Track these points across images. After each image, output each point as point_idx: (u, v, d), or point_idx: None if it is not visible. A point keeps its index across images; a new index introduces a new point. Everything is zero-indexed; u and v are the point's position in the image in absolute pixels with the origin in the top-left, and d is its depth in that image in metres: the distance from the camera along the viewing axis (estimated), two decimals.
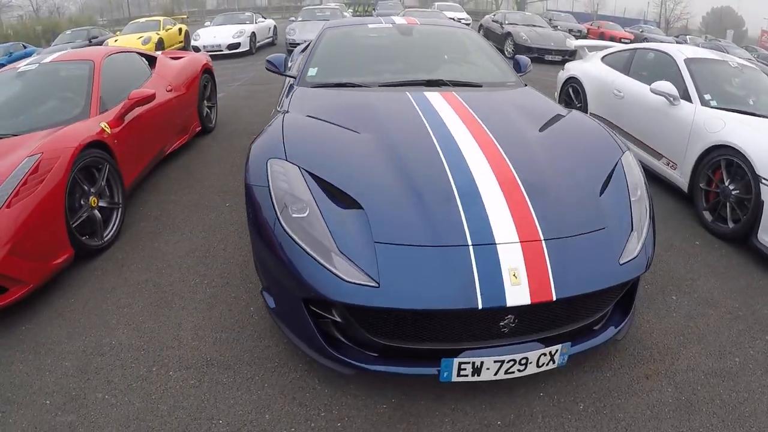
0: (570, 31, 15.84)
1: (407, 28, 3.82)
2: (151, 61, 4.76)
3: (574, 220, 2.00)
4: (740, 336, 2.47)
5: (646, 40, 16.50)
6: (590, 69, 5.29)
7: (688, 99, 3.90)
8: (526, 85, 3.36)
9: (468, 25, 17.61)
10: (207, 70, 5.70)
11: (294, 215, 1.91)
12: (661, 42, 11.92)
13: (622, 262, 1.93)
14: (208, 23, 14.55)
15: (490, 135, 2.39)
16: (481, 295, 1.71)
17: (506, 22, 13.23)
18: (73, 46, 13.25)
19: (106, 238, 3.14)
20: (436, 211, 1.93)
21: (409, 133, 2.41)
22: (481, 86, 3.19)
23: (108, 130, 3.27)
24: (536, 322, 1.88)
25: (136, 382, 2.12)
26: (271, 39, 15.02)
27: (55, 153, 2.70)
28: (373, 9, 22.54)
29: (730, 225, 3.40)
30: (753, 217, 3.17)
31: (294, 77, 3.39)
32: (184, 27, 15.40)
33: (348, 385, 2.06)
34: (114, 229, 3.24)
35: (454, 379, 1.82)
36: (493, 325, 1.81)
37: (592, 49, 5.94)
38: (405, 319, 1.80)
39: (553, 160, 2.29)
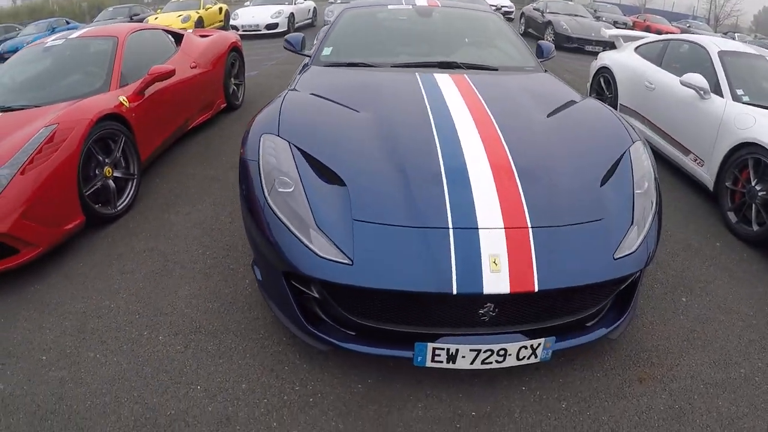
0: (615, 23, 15.34)
1: (427, 10, 3.77)
2: (178, 38, 4.88)
3: (569, 210, 1.93)
4: (750, 346, 2.34)
5: None
6: (622, 59, 5.08)
7: (720, 93, 3.70)
8: (546, 71, 3.28)
9: (511, 12, 17.20)
10: (235, 49, 5.80)
11: (280, 189, 1.94)
12: None
13: (617, 256, 1.86)
14: (248, 3, 14.74)
15: (492, 118, 2.34)
16: (456, 279, 1.69)
17: (547, 10, 12.94)
18: (114, 22, 13.71)
19: (119, 207, 3.29)
20: (419, 192, 1.91)
21: (408, 113, 2.40)
22: (497, 70, 3.14)
23: (126, 104, 3.40)
24: (520, 313, 1.83)
25: (126, 344, 2.23)
26: (310, 20, 15.09)
27: (70, 124, 2.84)
28: None
29: (755, 228, 3.22)
30: None
31: (310, 56, 3.42)
32: (224, 6, 15.66)
33: (327, 362, 2.10)
34: (128, 198, 3.38)
35: (429, 364, 1.80)
36: (471, 312, 1.77)
37: (627, 39, 5.70)
38: (379, 298, 1.79)
39: (556, 146, 2.23)
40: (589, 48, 11.32)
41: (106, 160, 3.16)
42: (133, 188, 3.44)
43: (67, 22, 16.86)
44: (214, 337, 2.26)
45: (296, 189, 1.93)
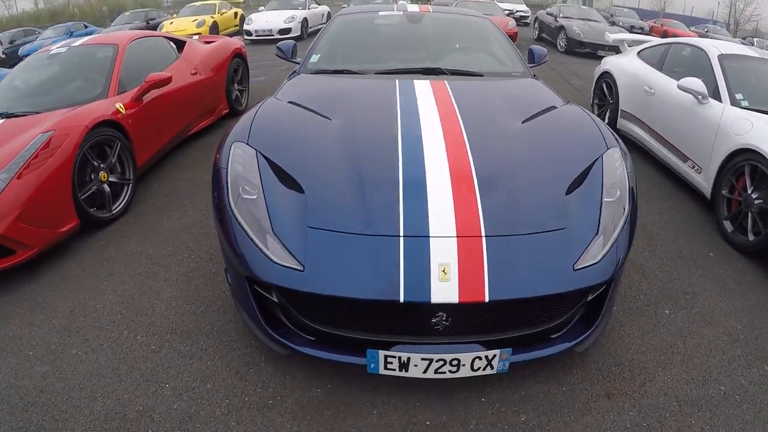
0: (632, 28, 15.31)
1: (417, 16, 3.87)
2: (180, 45, 5.10)
3: (529, 219, 1.95)
4: (734, 362, 2.29)
5: None
6: (624, 64, 5.09)
7: (718, 98, 3.69)
8: (534, 76, 3.34)
9: (527, 17, 17.14)
10: (238, 55, 6.00)
11: (245, 197, 2.05)
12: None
13: (578, 267, 1.86)
14: (262, 8, 15.08)
15: (461, 126, 2.40)
16: (404, 287, 1.72)
17: (560, 15, 12.99)
18: (131, 27, 14.23)
19: (114, 211, 3.48)
20: (374, 200, 1.97)
21: (377, 121, 2.48)
22: (482, 76, 3.20)
23: (123, 111, 3.60)
24: (475, 323, 1.85)
25: (107, 342, 2.39)
26: (324, 25, 15.33)
27: (66, 130, 3.04)
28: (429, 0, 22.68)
29: (751, 237, 3.21)
30: None
31: (298, 63, 3.56)
32: (239, 11, 16.08)
33: (291, 366, 2.20)
34: (123, 202, 3.58)
35: (382, 371, 1.85)
36: (424, 321, 1.79)
37: (631, 43, 5.69)
38: (331, 305, 1.86)
39: (525, 153, 2.26)
40: (601, 53, 11.24)
41: (102, 166, 3.36)
42: (128, 193, 3.63)
43: (86, 26, 17.47)
44: (188, 338, 2.40)
45: (259, 196, 2.03)
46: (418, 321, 1.81)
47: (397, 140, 2.28)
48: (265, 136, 2.31)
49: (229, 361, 2.25)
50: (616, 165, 2.23)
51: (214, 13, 14.38)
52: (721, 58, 3.88)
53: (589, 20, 12.71)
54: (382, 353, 1.82)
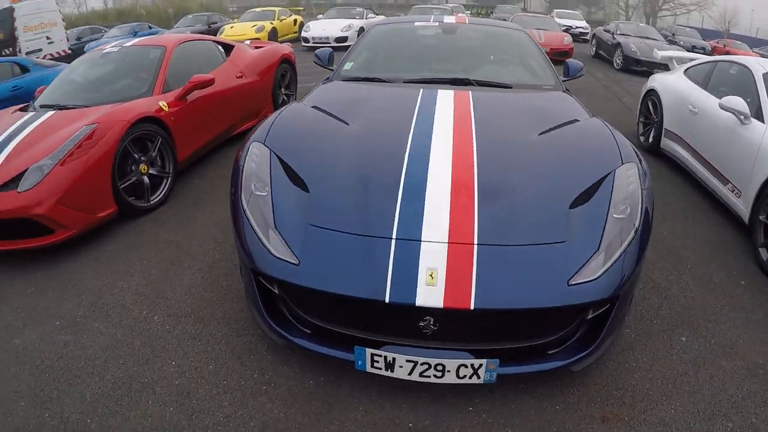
0: (693, 48, 14.72)
1: (452, 27, 3.93)
2: (229, 49, 5.38)
3: (527, 230, 1.94)
4: (748, 398, 2.13)
5: None
6: (670, 81, 4.92)
7: (761, 118, 3.52)
8: (566, 90, 3.32)
9: (586, 33, 16.78)
10: (286, 61, 6.26)
11: (256, 193, 2.18)
12: None
13: (573, 283, 1.82)
14: (321, 16, 15.57)
15: (473, 135, 2.43)
16: (390, 288, 1.76)
17: (618, 32, 12.70)
18: (192, 29, 14.98)
19: (152, 202, 3.73)
20: (374, 203, 2.04)
21: (391, 128, 2.55)
22: (510, 87, 3.21)
23: (165, 108, 3.86)
24: (465, 331, 1.85)
25: (126, 319, 2.58)
26: None
27: (109, 124, 3.31)
28: (491, 12, 22.95)
29: None
30: None
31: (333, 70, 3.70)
32: (299, 18, 16.65)
33: (290, 357, 2.29)
34: (162, 194, 3.82)
35: (369, 369, 1.89)
36: (412, 324, 1.81)
37: (680, 61, 5.49)
38: (324, 300, 1.93)
39: (534, 166, 2.26)
40: (658, 72, 10.90)
41: (142, 159, 3.62)
42: (167, 185, 3.88)
43: (150, 27, 18.37)
44: (200, 322, 2.55)
45: (268, 193, 2.16)
46: (406, 323, 1.83)
47: (406, 147, 2.34)
48: (281, 138, 2.43)
49: (233, 346, 2.37)
50: (629, 181, 2.18)
51: (274, 20, 14.96)
52: (767, 76, 3.70)
53: (647, 38, 12.39)
54: (369, 351, 1.86)
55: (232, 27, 14.38)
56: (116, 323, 2.55)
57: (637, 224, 2.03)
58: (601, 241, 1.95)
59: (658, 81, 5.19)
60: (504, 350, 1.89)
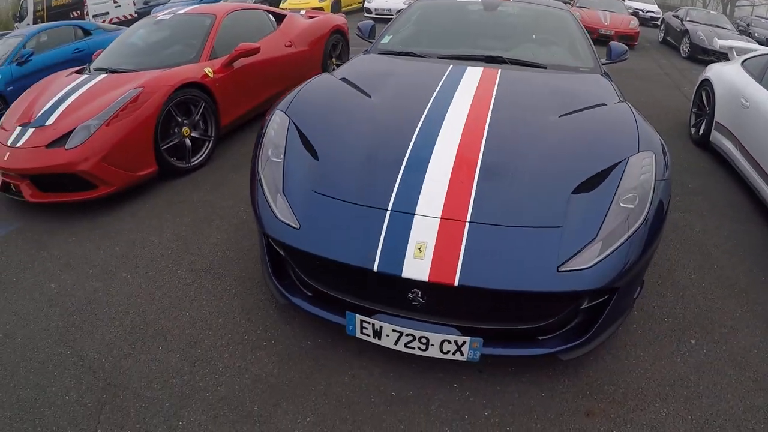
0: (767, 40, 13.32)
1: (493, 4, 3.81)
2: (280, 19, 5.45)
3: (523, 212, 1.90)
4: (749, 412, 1.96)
5: None
6: (726, 72, 4.49)
7: None
8: (605, 74, 3.18)
9: (657, 18, 15.61)
10: (338, 31, 6.26)
11: (273, 159, 2.22)
12: None
13: (563, 269, 1.77)
14: None
15: (489, 114, 2.39)
16: (379, 258, 1.78)
17: (687, 18, 11.78)
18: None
19: (193, 163, 3.89)
20: (377, 174, 2.05)
21: (409, 102, 2.52)
22: (545, 67, 3.11)
23: (211, 75, 3.98)
24: (452, 307, 1.85)
25: (152, 271, 2.73)
26: None
27: (153, 88, 3.46)
28: None
29: None
30: None
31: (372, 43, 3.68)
32: None
33: (294, 317, 2.34)
34: (203, 156, 3.98)
35: (358, 335, 1.93)
36: (401, 295, 1.83)
37: (740, 51, 4.97)
38: (320, 265, 1.96)
39: (544, 147, 2.19)
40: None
41: (185, 122, 3.77)
42: (208, 148, 4.03)
43: None
44: (218, 278, 2.65)
45: (282, 160, 2.19)
46: (395, 294, 1.85)
47: (418, 121, 2.33)
48: (302, 107, 2.46)
49: (243, 303, 2.45)
50: (642, 170, 2.06)
51: None
52: None
53: (717, 26, 11.48)
54: (358, 317, 1.89)
55: None
56: (143, 274, 2.71)
57: (644, 216, 1.92)
58: (600, 229, 1.86)
59: (713, 71, 4.76)
60: (490, 330, 1.87)
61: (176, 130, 3.73)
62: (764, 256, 3.10)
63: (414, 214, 1.88)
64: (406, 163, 2.08)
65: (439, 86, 2.66)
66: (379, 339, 1.90)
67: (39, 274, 2.78)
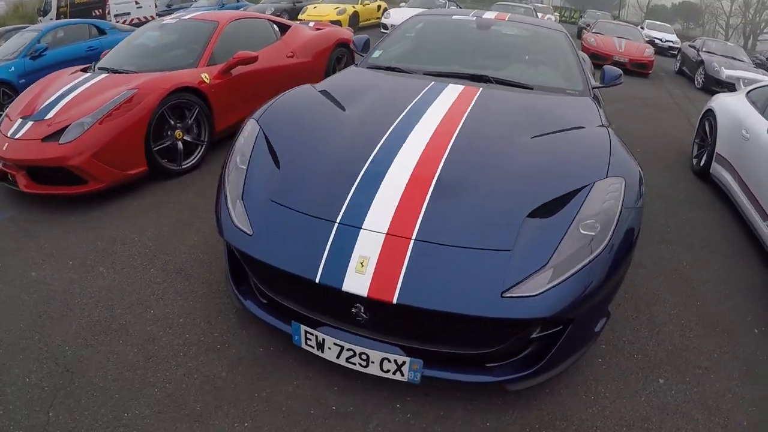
0: None
1: (487, 23, 3.88)
2: (285, 29, 5.64)
3: (472, 233, 1.91)
4: None
5: None
6: (729, 103, 4.54)
7: None
8: (594, 97, 3.18)
9: (676, 48, 15.69)
10: (343, 44, 6.43)
11: (239, 165, 2.34)
12: None
13: (507, 295, 1.75)
14: (403, 4, 15.64)
15: (455, 133, 2.41)
16: (322, 270, 1.83)
17: (703, 49, 11.89)
18: (277, 6, 15.52)
19: (184, 166, 4.06)
20: (332, 186, 2.11)
21: (379, 117, 2.57)
22: (531, 89, 3.12)
23: (207, 80, 4.16)
24: (395, 325, 1.88)
25: (127, 268, 2.89)
26: None
27: (148, 90, 3.65)
28: (580, 16, 22.42)
29: None
30: None
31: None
32: (383, 4, 16.77)
33: (251, 323, 2.44)
34: (194, 160, 4.15)
35: (303, 346, 2.00)
36: (345, 309, 1.86)
37: (747, 82, 5.04)
38: (271, 272, 2.02)
39: (506, 169, 2.20)
40: None
41: (178, 125, 3.95)
42: (200, 152, 4.20)
43: (238, 0, 19.05)
44: (187, 279, 2.80)
45: (246, 167, 2.31)
46: (339, 307, 1.89)
47: (383, 136, 2.38)
48: (274, 117, 2.57)
49: (206, 305, 2.59)
50: (606, 197, 2.02)
51: (357, 4, 15.20)
52: None
53: (734, 58, 11.60)
54: (303, 328, 1.96)
55: (315, 7, 14.79)
56: (118, 270, 2.87)
57: (605, 244, 1.88)
58: (552, 256, 1.84)
59: (717, 101, 4.83)
60: (434, 352, 1.88)
61: (169, 133, 3.90)
62: (754, 294, 3.09)
63: (360, 228, 1.91)
64: (362, 176, 2.13)
65: (413, 102, 2.70)
66: (322, 352, 1.96)
67: (23, 261, 2.95)
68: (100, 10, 13.02)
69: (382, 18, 14.36)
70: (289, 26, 5.75)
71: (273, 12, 14.76)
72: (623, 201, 2.02)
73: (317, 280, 1.83)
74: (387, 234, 1.89)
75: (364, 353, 1.87)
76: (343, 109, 2.70)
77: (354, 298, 1.82)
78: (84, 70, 4.27)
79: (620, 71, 3.55)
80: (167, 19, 4.95)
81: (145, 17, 13.71)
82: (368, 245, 1.87)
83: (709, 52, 11.76)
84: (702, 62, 11.16)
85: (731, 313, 2.87)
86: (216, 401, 2.03)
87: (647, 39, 14.02)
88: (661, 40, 16.19)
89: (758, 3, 40.40)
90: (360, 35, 4.19)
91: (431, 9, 4.06)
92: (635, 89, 9.91)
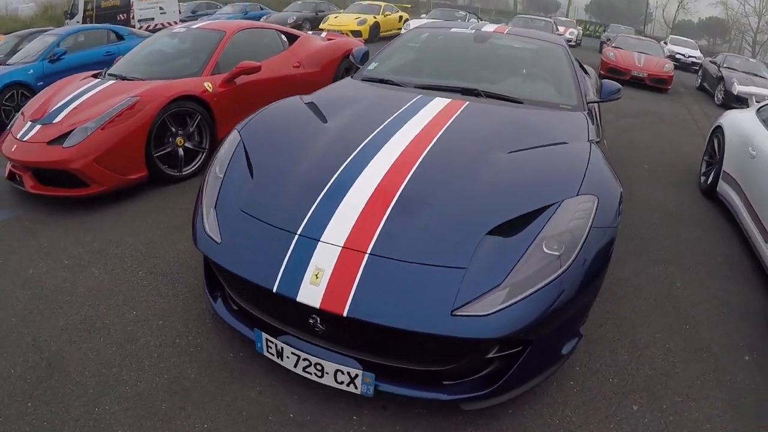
0: None
1: (484, 36, 3.91)
2: (293, 39, 5.80)
3: (428, 249, 1.92)
4: None
5: None
6: (738, 119, 4.49)
7: None
8: (588, 112, 3.16)
9: (698, 64, 15.46)
10: None
11: (217, 174, 2.45)
12: None
13: (458, 313, 1.76)
14: (424, 15, 15.82)
15: (428, 147, 2.43)
16: (279, 280, 1.89)
17: (724, 65, 11.75)
18: (299, 15, 15.87)
19: (184, 172, 4.23)
20: (298, 198, 2.16)
21: (358, 128, 2.62)
22: (521, 103, 3.13)
23: (210, 89, 4.33)
24: (350, 338, 1.93)
25: (118, 269, 3.03)
26: None
27: (150, 98, 3.83)
28: (604, 30, 22.58)
29: None
30: None
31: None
32: (405, 15, 16.98)
33: (225, 330, 2.51)
34: (195, 167, 4.32)
35: (265, 353, 2.07)
36: (302, 319, 1.92)
37: (760, 98, 4.98)
38: (236, 280, 2.12)
39: (474, 185, 2.20)
40: None
41: (180, 132, 4.11)
42: (201, 159, 4.36)
43: (261, 8, 19.33)
44: (172, 283, 2.92)
45: (223, 176, 2.41)
46: (296, 317, 1.96)
47: (356, 149, 2.43)
48: (256, 128, 2.68)
49: (186, 309, 2.71)
50: (574, 216, 1.99)
51: (378, 14, 15.45)
52: None
53: (755, 75, 11.45)
54: (264, 336, 2.04)
55: (336, 17, 15.10)
56: (109, 271, 3.02)
57: (568, 265, 1.86)
58: (508, 275, 1.83)
59: (727, 118, 4.77)
60: (390, 367, 1.92)
61: (170, 140, 4.07)
62: (749, 319, 2.99)
63: (318, 240, 1.97)
64: (328, 189, 2.18)
65: (394, 116, 2.74)
66: (282, 360, 2.03)
67: (22, 259, 3.12)
68: (125, 15, 13.51)
69: (403, 29, 14.56)
70: (297, 36, 5.91)
71: (294, 21, 15.11)
72: (593, 220, 1.99)
73: (274, 290, 1.89)
74: (343, 247, 1.94)
75: (319, 364, 1.93)
76: (325, 121, 2.77)
77: (308, 309, 1.86)
78: (94, 76, 4.49)
79: (619, 86, 3.52)
80: (177, 28, 5.16)
81: (168, 23, 14.15)
82: (325, 257, 1.92)
83: (729, 68, 11.65)
84: (722, 78, 11.05)
85: (723, 338, 2.79)
86: (181, 402, 2.13)
87: (669, 54, 13.93)
88: (684, 55, 16.10)
89: None
90: (360, 47, 4.29)
91: (447, 21, 4.12)
92: (652, 105, 9.84)
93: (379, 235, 1.97)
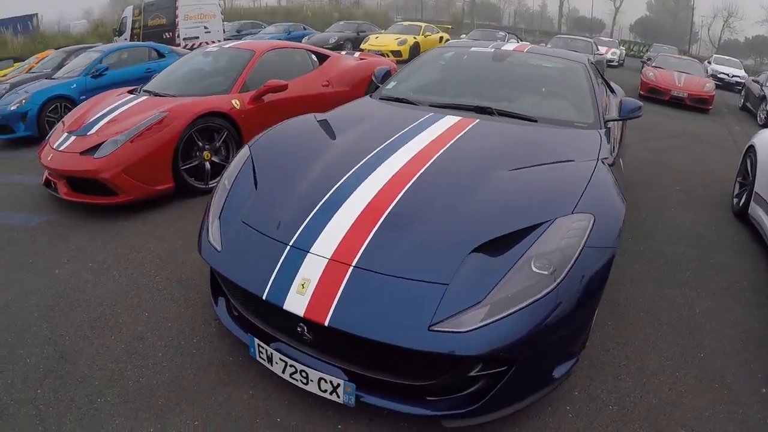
0: None
1: (503, 55, 3.96)
2: (323, 59, 6.04)
3: (413, 264, 1.96)
4: None
5: None
6: None
7: None
8: (607, 130, 3.15)
9: (742, 83, 14.96)
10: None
11: (226, 186, 2.60)
12: None
13: (435, 329, 1.78)
14: (464, 36, 16.01)
15: (427, 164, 2.48)
16: (269, 288, 1.98)
17: (767, 84, 11.25)
18: (341, 35, 16.36)
19: (210, 185, 4.45)
20: (295, 211, 2.26)
21: (362, 145, 2.71)
22: (536, 121, 3.14)
23: (237, 106, 4.58)
24: (335, 347, 2.00)
25: (136, 273, 3.24)
26: None
27: (178, 114, 4.09)
28: (647, 49, 22.27)
29: None
30: None
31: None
32: (446, 36, 17.24)
33: (229, 335, 2.58)
34: None
35: (257, 358, 2.16)
36: (291, 327, 2.00)
37: None
38: (235, 287, 2.20)
39: (467, 202, 2.23)
40: None
41: (207, 147, 4.35)
42: None
43: (304, 28, 20.01)
44: (186, 289, 3.09)
45: (230, 188, 2.56)
46: (287, 325, 2.05)
47: (355, 165, 2.52)
48: (266, 144, 2.83)
49: (195, 314, 2.86)
50: (567, 234, 1.98)
51: (419, 35, 15.76)
52: None
53: None
54: (256, 341, 2.14)
55: (377, 38, 15.48)
56: (128, 275, 3.22)
57: (556, 284, 1.84)
58: (489, 293, 1.84)
59: (760, 137, 4.59)
60: (374, 379, 1.97)
61: (197, 153, 4.32)
62: None
63: (308, 251, 2.06)
64: (323, 202, 2.27)
65: (400, 133, 2.81)
66: (272, 365, 2.12)
67: (50, 260, 3.38)
68: (170, 33, 14.23)
69: None
70: (328, 56, 6.15)
71: (336, 41, 15.58)
72: (587, 239, 1.98)
73: (264, 297, 1.99)
74: (330, 259, 2.02)
75: (304, 371, 2.01)
76: (333, 138, 2.88)
77: (294, 317, 1.94)
78: (130, 92, 4.83)
79: (640, 103, 3.45)
80: (211, 47, 5.47)
81: (212, 41, 14.82)
82: (312, 268, 2.01)
83: None
84: (765, 97, 10.67)
85: (739, 368, 2.64)
86: (177, 399, 2.25)
87: (711, 74, 13.55)
88: (728, 75, 15.70)
89: None
90: (382, 67, 4.44)
91: (452, 42, 4.22)
92: (691, 125, 9.58)
93: (365, 248, 2.03)
